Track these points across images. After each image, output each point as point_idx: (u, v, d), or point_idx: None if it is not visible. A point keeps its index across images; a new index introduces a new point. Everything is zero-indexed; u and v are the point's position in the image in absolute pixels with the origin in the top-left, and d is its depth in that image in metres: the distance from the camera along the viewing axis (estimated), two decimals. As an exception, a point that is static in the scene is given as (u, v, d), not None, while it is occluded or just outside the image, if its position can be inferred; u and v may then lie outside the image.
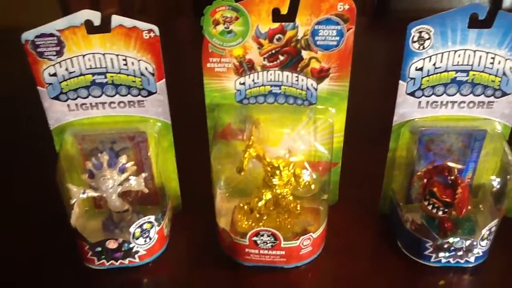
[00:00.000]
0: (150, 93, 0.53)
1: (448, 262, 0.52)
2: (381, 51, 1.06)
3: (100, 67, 0.51)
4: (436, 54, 0.49)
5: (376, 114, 0.62)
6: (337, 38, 0.50)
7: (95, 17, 0.48)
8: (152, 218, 0.53)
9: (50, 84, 0.51)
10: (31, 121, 0.61)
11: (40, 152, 0.56)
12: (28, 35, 0.48)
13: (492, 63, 0.49)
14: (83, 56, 0.50)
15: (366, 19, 1.33)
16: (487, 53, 0.49)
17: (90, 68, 0.51)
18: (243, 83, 0.53)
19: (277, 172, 0.52)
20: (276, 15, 0.49)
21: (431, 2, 1.28)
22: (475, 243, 0.51)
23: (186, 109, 0.62)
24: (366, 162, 0.65)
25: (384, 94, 0.56)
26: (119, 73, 0.51)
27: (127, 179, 0.53)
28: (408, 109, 0.53)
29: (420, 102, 0.52)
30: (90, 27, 0.48)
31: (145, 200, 0.57)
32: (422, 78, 0.51)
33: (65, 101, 0.52)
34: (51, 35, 0.48)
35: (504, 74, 0.50)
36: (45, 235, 0.58)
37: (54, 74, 0.51)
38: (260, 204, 0.54)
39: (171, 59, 0.54)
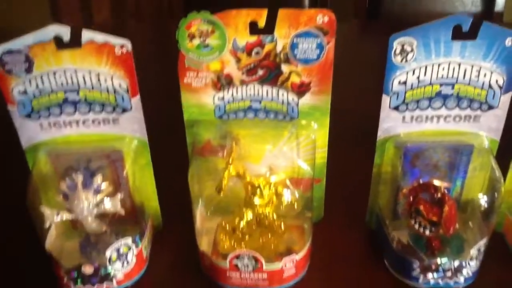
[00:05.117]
0: (125, 110, 0.51)
1: (437, 283, 0.50)
2: (370, 57, 1.04)
3: (72, 84, 0.49)
4: (420, 67, 0.48)
5: (362, 127, 0.60)
6: (317, 51, 0.48)
7: (64, 32, 0.46)
8: (129, 240, 0.51)
9: (20, 102, 0.49)
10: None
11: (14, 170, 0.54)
12: (-4, 51, 0.46)
13: (477, 76, 0.48)
14: (54, 73, 0.48)
15: (357, 23, 1.32)
16: (472, 65, 0.47)
17: (62, 85, 0.49)
18: (222, 98, 0.52)
19: (258, 191, 0.50)
20: (254, 28, 0.47)
21: (425, 5, 1.27)
22: (464, 263, 0.49)
23: (164, 125, 0.60)
24: (352, 177, 0.63)
25: (371, 105, 0.54)
26: (92, 90, 0.49)
27: (102, 201, 0.51)
28: (392, 123, 0.51)
29: (404, 116, 0.51)
30: (60, 43, 0.46)
31: (124, 221, 0.55)
32: (406, 92, 0.49)
33: (37, 119, 0.51)
34: (19, 51, 0.46)
35: (490, 87, 0.49)
36: (20, 258, 0.56)
37: (24, 92, 0.49)
38: (242, 224, 0.52)
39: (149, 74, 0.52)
